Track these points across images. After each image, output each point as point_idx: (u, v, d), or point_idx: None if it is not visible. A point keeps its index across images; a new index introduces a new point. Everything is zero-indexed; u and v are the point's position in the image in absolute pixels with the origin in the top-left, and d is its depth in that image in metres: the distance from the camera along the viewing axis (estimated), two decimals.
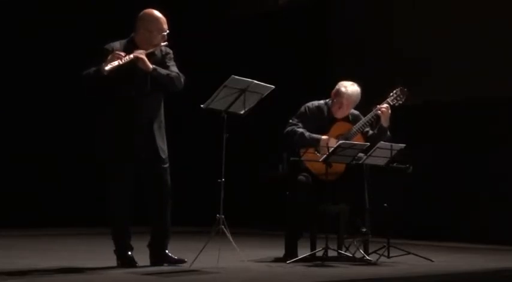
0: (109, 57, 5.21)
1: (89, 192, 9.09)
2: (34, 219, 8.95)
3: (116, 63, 5.18)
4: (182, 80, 5.43)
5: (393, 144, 6.05)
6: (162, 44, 5.44)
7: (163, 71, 5.35)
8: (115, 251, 5.42)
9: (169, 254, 5.48)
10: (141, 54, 5.27)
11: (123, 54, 5.23)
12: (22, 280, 4.73)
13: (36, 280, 4.77)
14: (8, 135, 9.25)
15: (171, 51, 5.52)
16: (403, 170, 6.19)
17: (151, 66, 5.28)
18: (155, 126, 5.40)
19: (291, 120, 6.22)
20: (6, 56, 9.23)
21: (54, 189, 9.38)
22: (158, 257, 5.44)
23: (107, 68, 5.16)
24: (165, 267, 5.35)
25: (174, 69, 5.44)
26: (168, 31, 5.45)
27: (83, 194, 9.36)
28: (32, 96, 9.40)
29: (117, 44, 5.43)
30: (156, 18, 5.42)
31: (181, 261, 5.45)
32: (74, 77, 9.16)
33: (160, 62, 5.41)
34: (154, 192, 5.43)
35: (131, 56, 5.24)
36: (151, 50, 5.36)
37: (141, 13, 5.47)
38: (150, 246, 5.50)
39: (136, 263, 5.37)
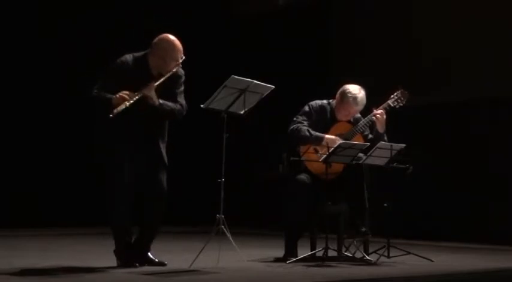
0: (117, 96, 5.13)
1: (89, 192, 9.09)
2: (34, 219, 8.94)
3: (122, 107, 5.12)
4: (184, 112, 5.43)
5: (393, 144, 6.05)
6: (174, 70, 5.36)
7: (168, 107, 5.32)
8: (115, 251, 5.41)
9: (151, 255, 5.47)
10: (149, 90, 5.22)
11: (130, 95, 5.15)
12: (22, 280, 4.73)
13: (36, 280, 4.77)
14: (8, 135, 9.25)
15: (182, 74, 5.45)
16: (403, 170, 6.19)
17: (157, 102, 5.25)
18: (159, 138, 5.40)
19: (295, 118, 6.21)
20: (6, 56, 9.25)
21: (54, 189, 9.38)
22: (141, 257, 5.42)
23: (115, 111, 5.10)
24: (165, 267, 5.35)
25: (180, 98, 5.41)
26: (183, 58, 5.39)
27: (83, 194, 9.36)
28: (32, 97, 9.40)
29: (130, 59, 5.37)
30: (173, 47, 5.35)
31: (162, 264, 5.43)
32: (75, 78, 9.21)
33: (170, 85, 5.36)
34: (150, 194, 5.41)
35: (139, 95, 5.18)
36: (161, 81, 5.29)
37: (159, 39, 5.39)
38: (135, 244, 5.48)
39: (136, 263, 5.36)
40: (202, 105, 5.47)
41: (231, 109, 5.58)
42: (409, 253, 6.23)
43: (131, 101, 5.15)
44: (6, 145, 9.25)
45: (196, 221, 9.15)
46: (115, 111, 5.12)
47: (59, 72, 9.42)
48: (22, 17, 9.42)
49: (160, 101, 5.28)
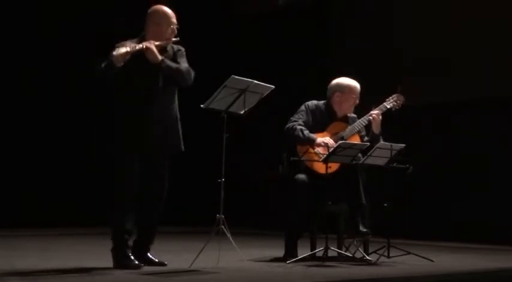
0: (117, 45, 5.17)
1: (89, 192, 9.10)
2: (34, 219, 8.94)
3: (123, 49, 5.11)
4: (192, 74, 5.40)
5: (393, 144, 6.06)
6: (173, 39, 5.41)
7: (172, 64, 5.32)
8: (112, 250, 5.36)
9: (151, 256, 5.46)
10: (150, 44, 5.24)
11: (131, 43, 5.20)
12: (22, 280, 4.72)
13: (36, 280, 4.76)
14: (8, 135, 9.25)
15: (182, 49, 5.49)
16: (403, 170, 6.20)
17: (160, 57, 5.25)
18: (167, 121, 5.37)
19: (291, 117, 6.24)
20: (6, 56, 9.25)
21: (54, 189, 9.38)
22: (140, 257, 5.40)
23: (114, 52, 5.09)
24: (165, 267, 5.35)
25: (184, 64, 5.42)
26: (177, 25, 5.44)
27: (83, 194, 9.36)
28: (32, 97, 9.40)
29: (127, 43, 5.35)
30: (164, 12, 5.43)
31: (162, 264, 5.43)
32: (75, 78, 9.22)
33: (172, 59, 5.38)
34: (150, 194, 5.39)
35: (140, 45, 5.21)
36: (161, 43, 5.31)
37: (150, 9, 5.48)
38: (134, 245, 5.46)
39: (138, 263, 5.34)
40: (202, 105, 5.46)
41: (231, 109, 5.57)
42: (409, 253, 6.23)
43: (132, 48, 5.14)
44: (7, 145, 9.25)
45: (196, 221, 9.15)
46: (115, 53, 5.10)
47: (59, 72, 9.42)
48: (22, 17, 9.42)
49: (163, 57, 5.27)
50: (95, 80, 5.42)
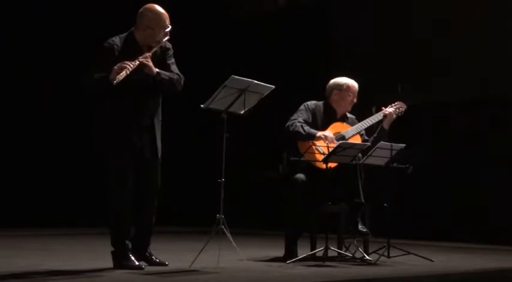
0: (116, 68, 5.06)
1: (89, 192, 9.09)
2: (34, 219, 8.94)
3: (124, 74, 5.05)
4: (182, 81, 5.40)
5: (393, 144, 6.07)
6: (164, 40, 5.35)
7: (166, 75, 5.29)
8: (113, 252, 5.35)
9: (151, 255, 5.45)
10: (146, 58, 5.19)
11: (129, 63, 5.10)
12: (22, 280, 4.72)
13: (36, 280, 4.76)
14: (8, 135, 9.26)
15: (170, 47, 5.43)
16: (403, 170, 6.20)
17: (155, 70, 5.22)
18: (156, 124, 5.37)
19: (291, 117, 6.25)
20: (6, 55, 9.26)
21: (54, 189, 9.38)
22: (140, 256, 5.38)
23: (116, 80, 5.02)
24: (165, 267, 5.35)
25: (174, 68, 5.39)
26: (170, 27, 5.36)
27: (83, 194, 9.36)
28: (32, 97, 9.40)
29: (116, 40, 5.32)
30: (159, 15, 5.31)
31: (162, 264, 5.42)
32: (73, 76, 9.21)
33: (160, 58, 5.35)
34: (144, 190, 5.38)
35: (136, 62, 5.14)
36: (154, 50, 5.28)
37: (143, 9, 5.34)
38: (133, 245, 5.42)
39: (141, 263, 5.33)
40: (202, 105, 5.46)
41: (231, 109, 5.57)
42: (409, 253, 6.23)
43: (130, 68, 5.06)
44: (7, 145, 9.25)
45: (196, 221, 9.15)
46: (116, 80, 5.02)
47: (59, 72, 9.42)
48: (22, 17, 9.42)
49: (158, 70, 5.24)
50: (82, 87, 5.36)
